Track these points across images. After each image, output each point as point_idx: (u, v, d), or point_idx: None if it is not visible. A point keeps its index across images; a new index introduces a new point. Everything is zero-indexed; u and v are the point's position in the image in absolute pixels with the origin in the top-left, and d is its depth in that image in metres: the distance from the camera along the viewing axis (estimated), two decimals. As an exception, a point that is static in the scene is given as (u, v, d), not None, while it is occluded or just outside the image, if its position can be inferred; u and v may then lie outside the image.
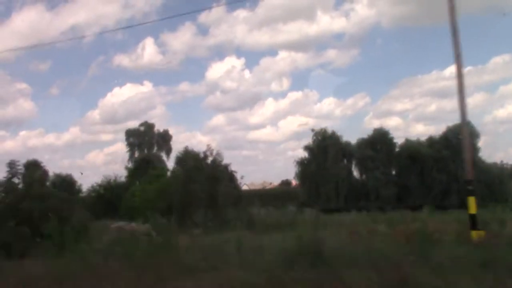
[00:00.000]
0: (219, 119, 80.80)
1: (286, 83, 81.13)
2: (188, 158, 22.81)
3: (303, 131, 74.17)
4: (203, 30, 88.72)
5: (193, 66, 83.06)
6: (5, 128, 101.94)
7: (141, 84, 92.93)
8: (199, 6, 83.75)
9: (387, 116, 76.72)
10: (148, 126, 49.02)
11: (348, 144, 44.21)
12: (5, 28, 70.33)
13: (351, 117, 76.24)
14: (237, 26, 76.90)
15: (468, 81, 72.35)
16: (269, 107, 79.90)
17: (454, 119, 74.42)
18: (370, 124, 74.40)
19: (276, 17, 75.21)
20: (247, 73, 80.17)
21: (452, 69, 73.59)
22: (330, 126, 74.79)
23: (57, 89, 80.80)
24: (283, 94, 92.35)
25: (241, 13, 77.27)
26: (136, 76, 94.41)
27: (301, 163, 44.40)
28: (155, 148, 49.41)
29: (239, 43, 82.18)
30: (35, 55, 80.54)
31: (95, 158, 76.65)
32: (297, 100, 78.21)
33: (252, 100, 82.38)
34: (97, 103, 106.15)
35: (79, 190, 50.15)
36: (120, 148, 75.44)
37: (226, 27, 77.95)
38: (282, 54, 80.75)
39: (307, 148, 44.94)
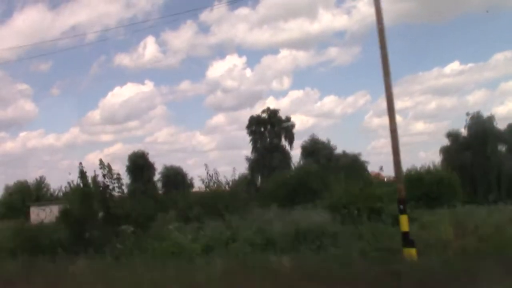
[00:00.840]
0: (219, 118, 79.85)
1: (287, 81, 79.08)
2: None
3: (303, 130, 72.37)
4: (204, 29, 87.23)
5: (194, 65, 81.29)
6: (6, 129, 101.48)
7: (142, 83, 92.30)
8: (200, 5, 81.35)
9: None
10: (272, 113, 45.35)
11: (498, 129, 40.19)
12: (7, 28, 69.10)
13: (351, 115, 75.87)
14: (238, 25, 75.75)
15: (469, 78, 66.41)
16: (270, 106, 76.16)
17: (454, 117, 72.16)
18: (370, 123, 73.52)
19: (277, 15, 73.32)
20: (248, 72, 77.98)
21: (453, 66, 71.24)
22: (330, 125, 73.65)
23: (57, 90, 79.18)
24: (284, 93, 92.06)
25: (242, 11, 74.77)
26: (137, 75, 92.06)
27: (446, 151, 40.42)
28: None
29: (240, 41, 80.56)
30: (36, 55, 78.33)
31: (94, 159, 75.12)
32: (298, 99, 75.66)
33: (253, 99, 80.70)
34: (98, 103, 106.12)
35: (191, 184, 47.24)
36: (120, 149, 73.88)
37: (227, 25, 76.25)
38: (284, 52, 78.35)
39: (450, 135, 41.04)
